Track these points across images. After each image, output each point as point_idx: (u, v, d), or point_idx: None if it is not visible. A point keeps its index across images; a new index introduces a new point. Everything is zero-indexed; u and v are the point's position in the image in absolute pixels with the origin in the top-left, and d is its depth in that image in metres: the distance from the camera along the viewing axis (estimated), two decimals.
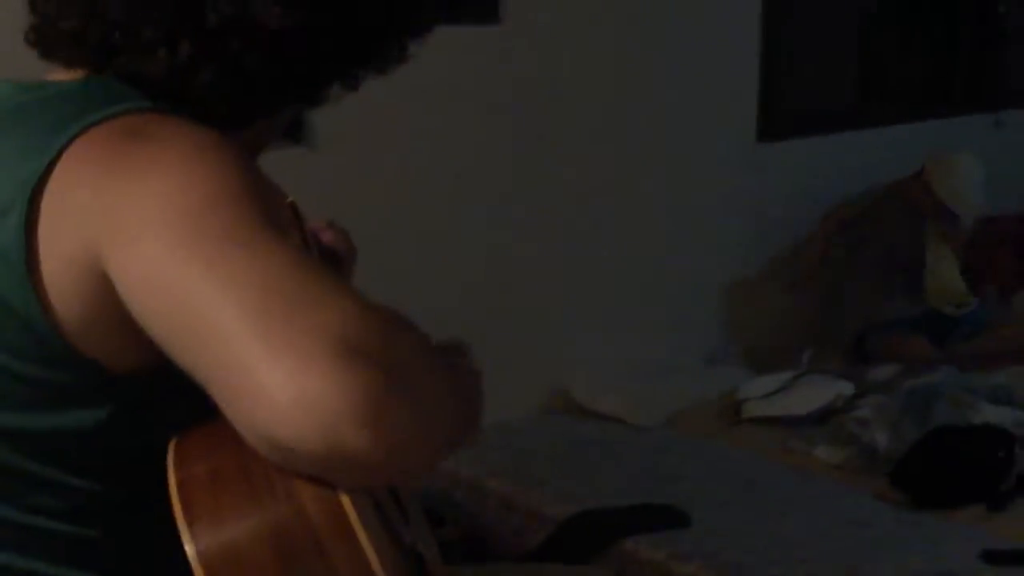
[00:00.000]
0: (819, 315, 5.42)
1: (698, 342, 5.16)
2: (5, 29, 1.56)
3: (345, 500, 1.03)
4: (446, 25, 1.54)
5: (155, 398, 1.18)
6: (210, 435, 1.11)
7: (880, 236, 5.25)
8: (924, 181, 5.25)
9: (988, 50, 6.46)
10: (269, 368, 0.96)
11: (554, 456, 4.27)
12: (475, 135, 4.34)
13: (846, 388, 4.65)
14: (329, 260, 1.86)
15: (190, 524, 1.04)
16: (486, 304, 4.37)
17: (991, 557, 3.63)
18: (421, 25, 1.30)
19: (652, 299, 4.98)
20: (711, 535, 3.66)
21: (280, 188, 1.47)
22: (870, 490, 4.04)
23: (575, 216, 4.69)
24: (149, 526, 1.19)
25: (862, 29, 5.86)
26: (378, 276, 1.90)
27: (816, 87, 5.63)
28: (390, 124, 3.99)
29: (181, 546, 1.07)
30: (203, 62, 1.20)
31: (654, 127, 4.82)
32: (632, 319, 4.92)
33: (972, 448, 4.13)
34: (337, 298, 1.02)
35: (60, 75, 1.28)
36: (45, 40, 1.28)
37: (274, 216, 1.09)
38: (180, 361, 1.06)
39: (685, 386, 4.78)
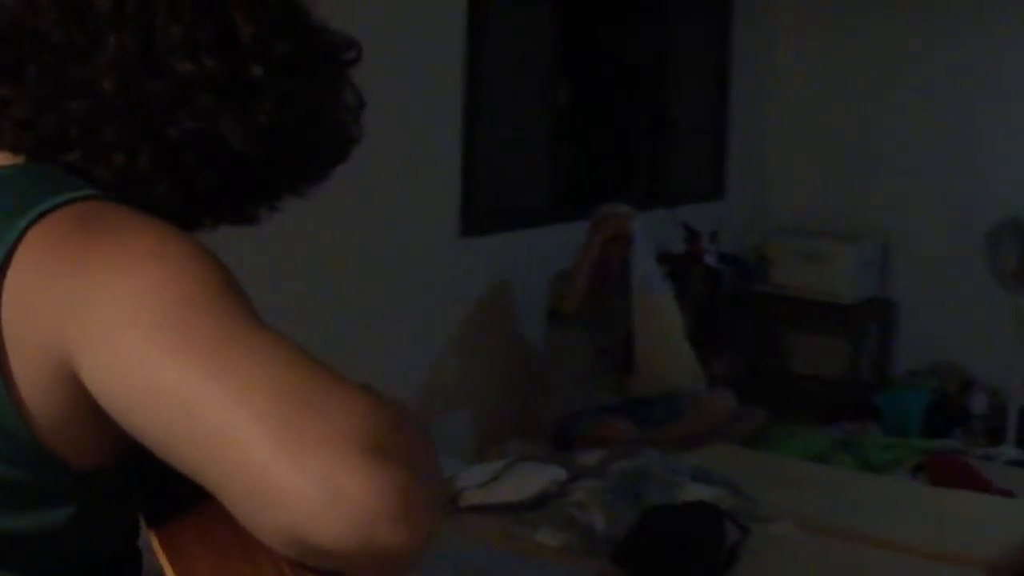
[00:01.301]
0: (520, 403, 5.60)
1: None
2: None
3: None
4: None
5: (115, 493, 1.17)
6: (200, 525, 1.11)
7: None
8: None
9: (662, 151, 6.91)
10: (295, 475, 0.96)
11: None
12: None
13: (558, 473, 4.81)
14: None
15: None
16: None
17: None
18: (344, 156, 1.31)
19: None
20: None
21: None
22: (594, 571, 4.18)
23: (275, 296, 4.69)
24: None
25: (552, 133, 6.16)
26: None
27: (512, 186, 5.89)
28: None
29: None
30: (160, 173, 1.17)
31: (365, 223, 4.90)
32: None
33: (686, 525, 4.36)
34: (344, 394, 1.02)
35: None
36: None
37: (252, 307, 1.08)
38: (181, 467, 1.04)
39: None
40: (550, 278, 5.64)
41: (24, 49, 1.17)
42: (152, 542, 1.12)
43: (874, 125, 7.30)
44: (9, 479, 1.09)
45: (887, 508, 5.04)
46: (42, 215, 1.08)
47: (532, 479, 4.78)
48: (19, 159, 1.19)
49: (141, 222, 1.10)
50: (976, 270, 6.61)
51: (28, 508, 1.11)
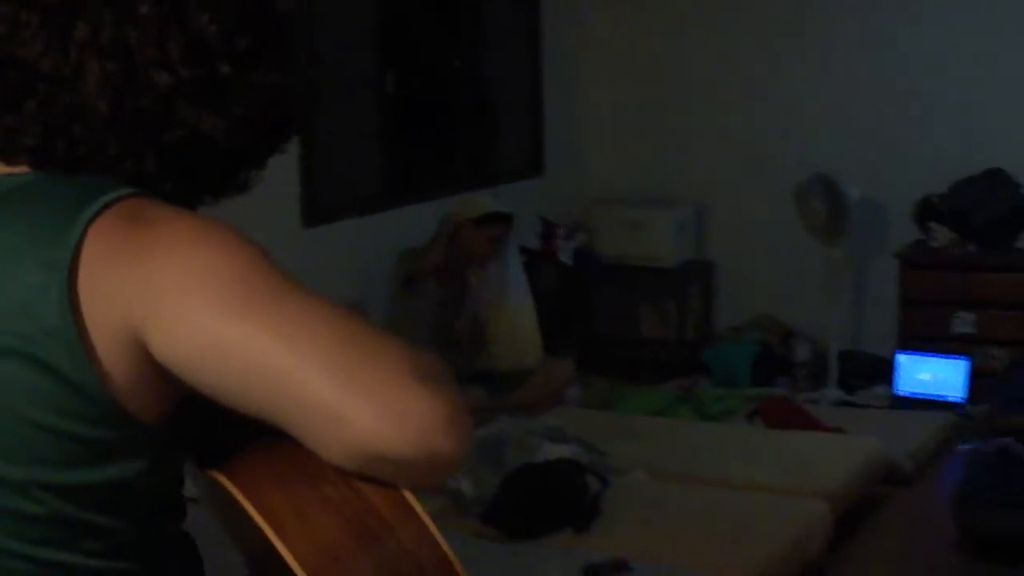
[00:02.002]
0: None
1: None
2: None
3: (404, 491, 1.24)
4: None
5: (174, 446, 1.34)
6: (260, 463, 1.28)
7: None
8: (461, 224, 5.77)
9: (483, 133, 7.14)
10: (365, 404, 1.19)
11: None
12: None
13: None
14: None
15: (282, 538, 1.20)
16: None
17: (593, 571, 4.07)
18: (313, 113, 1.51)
19: None
20: None
21: None
22: (467, 531, 4.37)
23: None
24: (177, 558, 1.39)
25: (382, 123, 6.34)
26: None
27: (348, 175, 6.07)
28: None
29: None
30: (165, 173, 1.33)
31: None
32: None
33: (550, 481, 4.58)
34: (386, 338, 1.25)
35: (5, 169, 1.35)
36: (4, 152, 1.34)
37: (290, 275, 1.27)
38: (255, 412, 1.24)
39: None
40: (401, 252, 5.80)
41: (18, 80, 1.31)
42: (222, 483, 1.26)
43: (683, 94, 7.60)
44: (92, 437, 1.26)
45: (730, 452, 5.35)
46: (98, 213, 1.25)
47: None
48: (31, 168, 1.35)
49: (178, 212, 1.30)
50: (787, 227, 6.97)
51: (108, 462, 1.28)
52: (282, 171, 5.40)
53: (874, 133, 7.14)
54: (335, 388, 1.19)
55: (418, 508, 1.24)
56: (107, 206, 1.26)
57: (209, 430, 1.32)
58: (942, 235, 6.79)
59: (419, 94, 6.74)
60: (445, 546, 1.25)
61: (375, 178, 6.28)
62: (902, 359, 6.63)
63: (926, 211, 6.85)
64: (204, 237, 1.26)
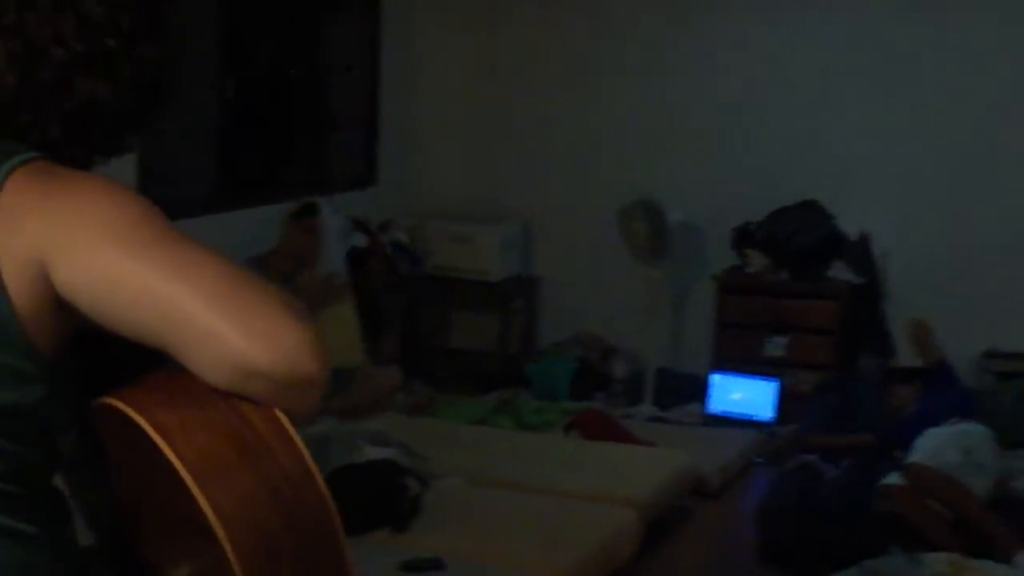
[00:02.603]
0: None
1: None
2: None
3: (278, 412, 1.40)
4: None
5: (67, 379, 1.50)
6: (148, 390, 1.43)
7: None
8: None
9: (319, 141, 7.22)
10: (243, 331, 1.36)
11: None
12: None
13: None
14: None
15: (172, 448, 1.35)
16: None
17: (409, 567, 4.19)
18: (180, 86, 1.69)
19: None
20: None
21: None
22: None
23: None
24: (58, 493, 1.55)
25: (219, 128, 6.40)
26: None
27: (183, 178, 6.12)
28: None
29: (99, 500, 1.49)
30: (69, 137, 1.55)
31: None
32: None
33: (371, 481, 4.69)
34: (256, 277, 1.43)
35: None
36: None
37: (177, 228, 1.47)
38: (144, 338, 1.41)
39: None
40: (247, 259, 5.85)
41: None
42: (117, 406, 1.41)
43: (514, 112, 7.79)
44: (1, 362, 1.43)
45: (545, 460, 5.53)
46: (13, 169, 1.45)
47: None
48: None
49: (82, 172, 1.51)
50: (611, 246, 7.18)
51: (12, 386, 1.44)
52: (120, 171, 5.42)
53: (697, 159, 7.40)
54: (213, 313, 1.37)
55: (291, 430, 1.40)
56: (21, 163, 1.45)
57: (97, 367, 1.48)
58: (757, 261, 7.07)
59: (257, 101, 6.81)
60: (314, 470, 1.40)
61: (209, 181, 6.32)
62: (715, 378, 6.89)
63: (743, 237, 7.13)
64: (106, 189, 1.45)
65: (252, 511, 1.36)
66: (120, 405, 1.41)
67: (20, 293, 1.42)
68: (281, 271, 5.79)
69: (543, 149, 7.74)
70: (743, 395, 6.82)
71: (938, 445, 5.10)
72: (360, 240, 6.84)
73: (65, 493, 1.59)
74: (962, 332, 6.70)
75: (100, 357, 1.49)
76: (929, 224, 7.00)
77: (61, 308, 1.43)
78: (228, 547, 1.35)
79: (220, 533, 1.35)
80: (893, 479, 5.02)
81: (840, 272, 7.01)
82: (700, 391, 6.94)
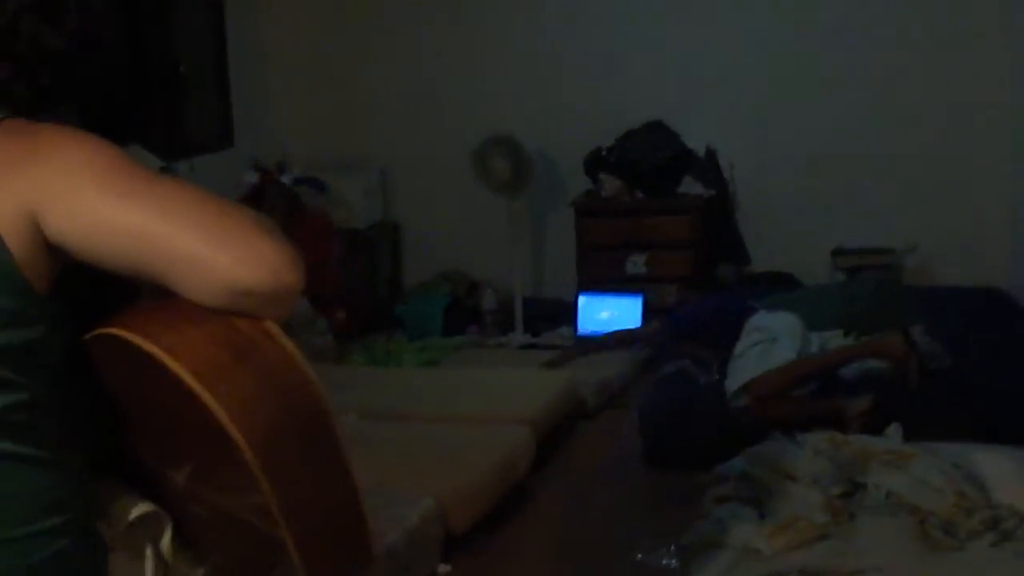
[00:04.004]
0: None
1: None
2: None
3: (266, 322, 1.57)
4: None
5: (64, 317, 1.64)
6: (144, 317, 1.58)
7: None
8: None
9: (174, 105, 7.25)
10: (228, 253, 1.52)
11: None
12: None
13: None
14: None
15: (176, 360, 1.51)
16: None
17: None
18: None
19: None
20: None
21: None
22: None
23: None
24: (67, 415, 1.67)
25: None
26: None
27: None
28: None
29: (95, 426, 1.65)
30: (19, 77, 1.67)
31: None
32: None
33: None
34: (233, 205, 1.59)
35: None
36: None
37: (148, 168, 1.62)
38: (140, 271, 1.56)
39: None
40: None
41: None
42: (120, 335, 1.56)
43: (364, 60, 7.92)
44: (3, 306, 1.56)
45: (436, 390, 5.71)
46: None
47: None
48: None
49: (51, 125, 1.62)
50: (467, 184, 7.35)
51: (12, 326, 1.57)
52: None
53: (541, 91, 7.62)
54: (202, 242, 1.53)
55: (281, 336, 1.57)
56: None
57: (90, 305, 1.62)
58: (611, 184, 7.32)
59: (110, 66, 6.82)
60: (303, 362, 1.57)
61: None
62: (582, 300, 7.14)
63: (596, 163, 7.37)
64: (79, 139, 1.59)
65: (255, 405, 1.53)
66: (124, 333, 1.56)
67: (16, 243, 1.54)
68: None
69: (391, 96, 7.89)
70: (610, 314, 7.08)
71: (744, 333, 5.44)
72: (252, 177, 6.94)
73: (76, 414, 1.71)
74: (812, 233, 7.08)
75: (80, 292, 1.63)
76: (771, 134, 7.34)
77: (53, 251, 1.57)
78: (241, 440, 1.52)
79: (232, 430, 1.51)
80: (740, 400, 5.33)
81: (691, 187, 7.30)
82: (568, 314, 7.18)
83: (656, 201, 7.28)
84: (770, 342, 5.34)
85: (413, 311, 7.40)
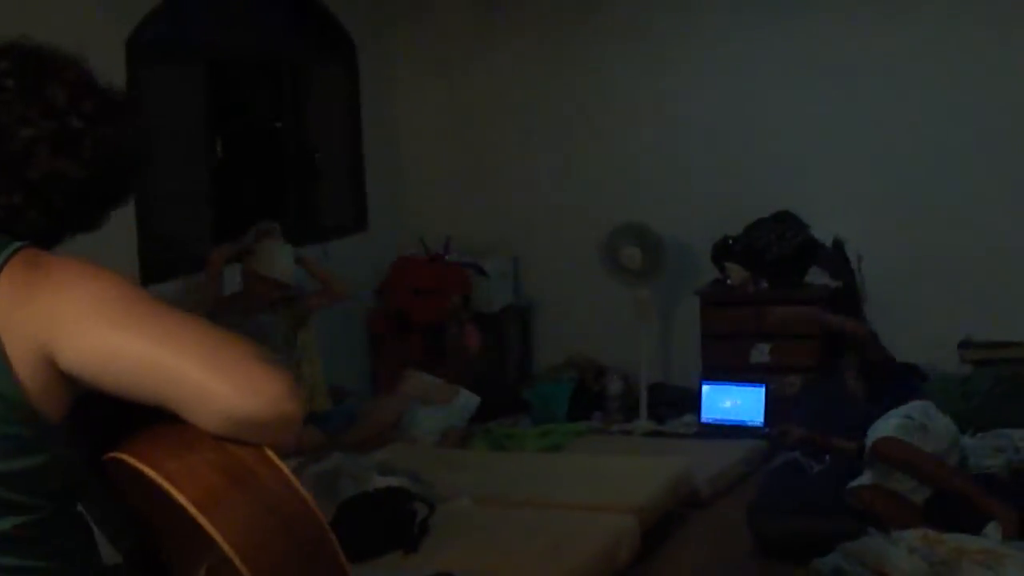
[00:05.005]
0: None
1: None
2: None
3: (265, 449, 1.65)
4: None
5: (70, 443, 1.73)
6: (148, 443, 1.67)
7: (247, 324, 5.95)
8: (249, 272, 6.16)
9: (309, 191, 7.53)
10: (230, 385, 1.60)
11: None
12: None
13: None
14: None
15: (177, 488, 1.60)
16: None
17: None
18: (143, 172, 1.92)
19: None
20: None
21: None
22: None
23: None
24: (78, 528, 1.79)
25: (212, 186, 6.73)
26: None
27: (181, 236, 6.46)
28: None
29: (119, 526, 1.74)
30: (30, 205, 1.74)
31: None
32: None
33: (380, 507, 4.96)
34: (234, 335, 1.67)
35: None
36: None
37: (159, 299, 1.70)
38: (149, 398, 1.64)
39: None
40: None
41: None
42: (128, 461, 1.65)
43: (497, 152, 8.12)
44: (8, 433, 1.66)
45: (547, 477, 5.78)
46: (6, 261, 1.67)
47: None
48: None
49: (65, 257, 1.72)
50: (598, 271, 7.44)
51: (18, 455, 1.67)
52: (121, 232, 5.70)
53: (671, 181, 7.71)
54: (205, 373, 1.61)
55: (278, 461, 1.65)
56: (9, 258, 1.68)
57: (99, 429, 1.72)
58: (737, 273, 7.35)
59: (247, 159, 7.14)
60: (298, 485, 1.65)
61: (205, 238, 6.62)
62: (706, 389, 7.16)
63: (722, 251, 7.41)
64: (90, 273, 1.67)
65: (254, 530, 1.61)
66: (129, 459, 1.65)
67: (27, 375, 1.63)
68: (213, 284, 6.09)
69: (528, 183, 8.05)
70: (733, 402, 7.08)
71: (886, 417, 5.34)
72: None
73: (89, 523, 1.83)
74: (940, 325, 7.01)
75: (101, 413, 1.71)
76: (900, 225, 7.30)
77: (67, 381, 1.66)
78: (241, 566, 1.59)
79: (232, 555, 1.59)
80: (863, 480, 5.26)
81: (817, 277, 7.30)
82: (692, 402, 7.20)
83: (781, 291, 7.28)
84: (919, 428, 5.25)
85: (540, 395, 7.49)
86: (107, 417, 1.73)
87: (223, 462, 1.63)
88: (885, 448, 5.11)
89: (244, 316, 5.90)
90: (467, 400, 7.01)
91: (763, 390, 7.02)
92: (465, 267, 7.66)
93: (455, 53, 8.16)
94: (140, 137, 1.87)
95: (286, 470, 1.65)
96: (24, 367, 1.64)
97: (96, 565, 1.82)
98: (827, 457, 5.62)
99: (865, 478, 5.24)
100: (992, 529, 4.56)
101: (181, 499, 1.60)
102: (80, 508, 1.82)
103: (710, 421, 7.09)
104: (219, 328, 1.68)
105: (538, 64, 7.99)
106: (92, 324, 1.62)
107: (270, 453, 1.65)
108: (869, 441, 5.20)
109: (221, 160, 6.81)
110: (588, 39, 7.85)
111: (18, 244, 1.70)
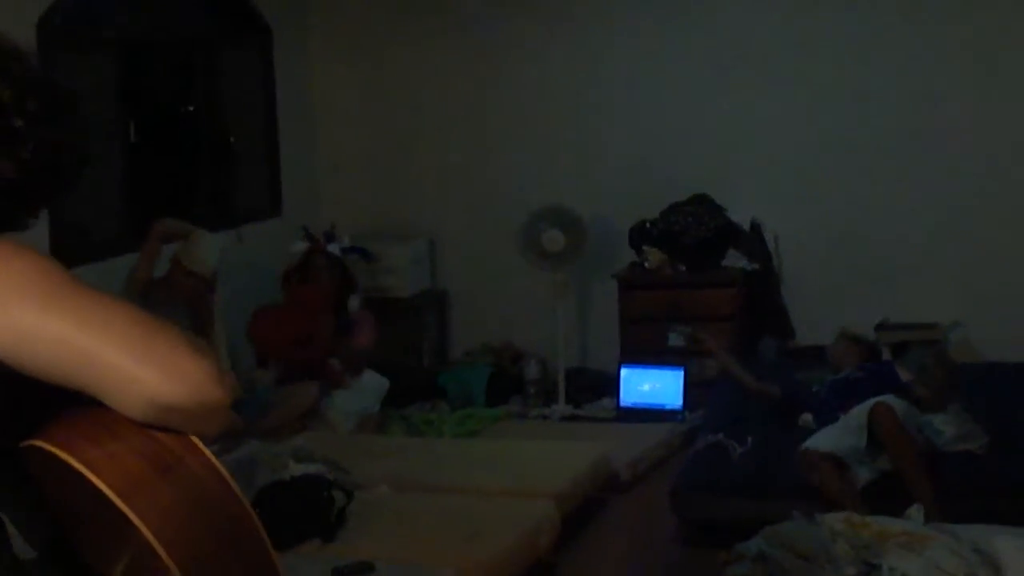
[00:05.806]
0: None
1: None
2: None
3: (190, 436, 1.58)
4: None
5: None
6: (68, 429, 1.59)
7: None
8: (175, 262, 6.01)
9: (223, 175, 7.40)
10: (155, 369, 1.53)
11: None
12: None
13: None
14: None
15: (97, 475, 1.53)
16: None
17: (340, 573, 4.39)
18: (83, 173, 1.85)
19: None
20: None
21: None
22: None
23: None
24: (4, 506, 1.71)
25: (124, 171, 6.60)
26: None
27: (93, 222, 6.33)
28: None
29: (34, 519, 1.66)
30: None
31: None
32: None
33: (298, 496, 4.88)
34: (159, 320, 1.60)
35: None
36: None
37: (83, 281, 1.62)
38: (69, 383, 1.57)
39: None
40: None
41: None
42: (45, 448, 1.57)
43: (411, 137, 8.04)
44: None
45: (466, 462, 5.73)
46: None
47: None
48: None
49: None
50: (516, 255, 7.40)
51: None
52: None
53: (587, 164, 7.69)
54: (129, 358, 1.54)
55: (204, 448, 1.58)
56: None
57: (14, 415, 1.64)
58: (655, 256, 7.34)
59: (160, 143, 7.00)
60: (226, 473, 1.57)
61: (115, 223, 6.48)
62: (624, 372, 7.14)
63: (640, 235, 7.39)
64: (13, 253, 1.60)
65: (178, 517, 1.54)
66: (47, 446, 1.58)
67: None
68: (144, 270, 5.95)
69: (441, 168, 7.98)
70: (652, 386, 7.07)
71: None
72: (301, 246, 7.03)
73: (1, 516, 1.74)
74: (856, 308, 7.03)
75: (13, 397, 1.63)
76: (816, 207, 7.33)
77: None
78: (163, 552, 1.53)
79: (153, 541, 1.52)
80: (813, 443, 5.29)
81: (735, 260, 7.30)
82: (611, 386, 7.19)
83: (699, 274, 7.28)
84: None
85: (456, 380, 7.42)
86: (25, 404, 1.64)
87: (147, 449, 1.57)
88: (885, 412, 5.15)
89: (167, 304, 5.78)
90: (376, 382, 6.92)
91: (681, 373, 7.01)
92: (349, 253, 7.47)
93: (370, 37, 8.07)
94: (80, 137, 1.80)
95: (213, 458, 1.58)
96: None
97: (7, 560, 1.74)
98: (749, 440, 5.61)
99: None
100: (915, 511, 4.57)
101: (101, 485, 1.53)
102: None
103: (629, 405, 7.08)
104: (144, 312, 1.60)
105: (455, 48, 7.92)
106: (12, 304, 1.55)
107: (196, 440, 1.58)
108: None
109: (134, 144, 6.67)
110: (506, 23, 7.80)
111: None
